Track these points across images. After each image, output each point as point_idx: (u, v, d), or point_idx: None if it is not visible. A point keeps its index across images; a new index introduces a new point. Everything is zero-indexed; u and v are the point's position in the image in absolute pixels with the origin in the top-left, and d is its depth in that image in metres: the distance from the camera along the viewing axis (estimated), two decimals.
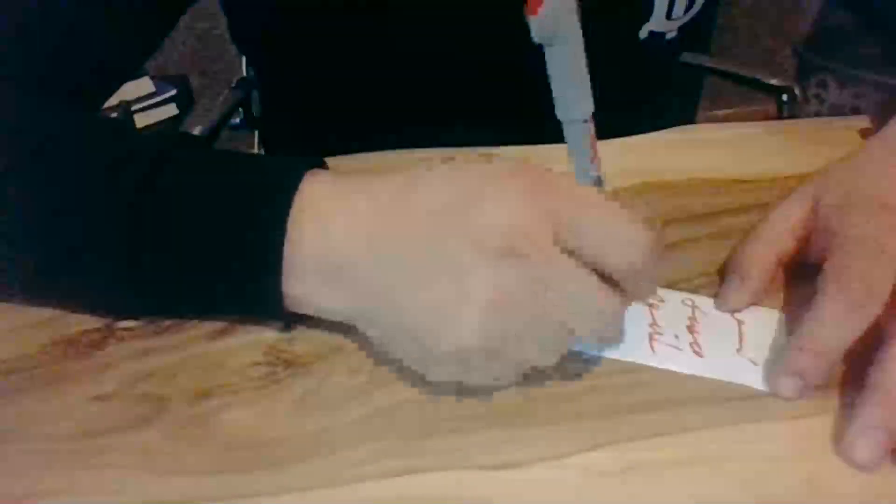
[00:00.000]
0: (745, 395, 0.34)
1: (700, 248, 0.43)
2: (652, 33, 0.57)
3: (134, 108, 1.59)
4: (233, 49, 0.86)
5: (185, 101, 1.68)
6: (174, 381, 0.36)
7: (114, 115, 1.49)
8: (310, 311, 0.36)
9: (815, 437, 0.32)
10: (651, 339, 0.37)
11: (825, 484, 0.30)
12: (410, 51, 0.54)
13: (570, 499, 0.30)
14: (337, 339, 0.37)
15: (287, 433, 0.33)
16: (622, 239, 0.32)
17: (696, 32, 0.61)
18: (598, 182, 0.35)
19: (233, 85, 0.93)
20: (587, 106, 0.34)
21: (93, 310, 0.39)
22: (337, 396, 0.35)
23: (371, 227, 0.33)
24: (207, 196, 0.35)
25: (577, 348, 0.36)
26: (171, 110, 1.66)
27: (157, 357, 0.37)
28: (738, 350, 0.36)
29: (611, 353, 0.36)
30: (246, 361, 0.36)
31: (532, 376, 0.34)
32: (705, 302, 0.39)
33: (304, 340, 0.37)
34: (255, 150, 0.97)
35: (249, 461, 0.32)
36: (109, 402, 0.35)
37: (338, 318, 0.36)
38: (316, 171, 0.36)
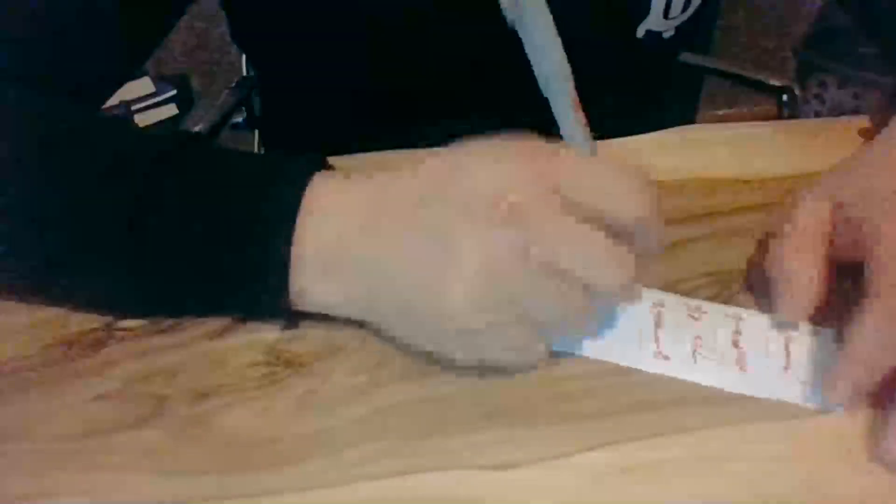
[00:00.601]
0: (745, 395, 0.34)
1: (700, 248, 0.43)
2: (649, 32, 0.57)
3: (134, 108, 1.59)
4: (233, 49, 0.86)
5: (185, 101, 1.68)
6: (174, 380, 0.35)
7: (114, 114, 1.49)
8: (316, 309, 0.36)
9: (815, 437, 0.32)
10: (695, 354, 0.36)
11: (825, 484, 0.30)
12: (411, 51, 0.54)
13: (570, 499, 0.30)
14: (337, 339, 0.37)
15: (287, 433, 0.33)
16: (623, 185, 0.31)
17: (693, 32, 0.61)
18: (588, 142, 0.36)
19: (233, 85, 0.93)
20: (565, 75, 0.35)
21: (95, 309, 0.39)
22: (337, 396, 0.35)
23: (362, 215, 0.33)
24: (212, 196, 0.35)
25: (616, 360, 0.35)
26: (171, 110, 1.66)
27: (157, 357, 0.37)
28: (786, 367, 0.35)
29: (654, 368, 0.35)
30: (246, 361, 0.36)
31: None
32: (750, 315, 0.38)
33: (304, 340, 0.37)
34: (256, 150, 0.97)
35: (249, 461, 0.32)
36: (109, 402, 0.35)
37: (344, 313, 0.36)
38: (319, 176, 0.35)
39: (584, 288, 0.31)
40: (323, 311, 0.36)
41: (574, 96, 0.35)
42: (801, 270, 0.36)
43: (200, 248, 0.35)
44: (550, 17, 0.33)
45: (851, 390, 0.32)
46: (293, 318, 0.37)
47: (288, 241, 0.33)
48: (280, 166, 0.36)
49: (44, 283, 0.38)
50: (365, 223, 0.33)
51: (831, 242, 0.37)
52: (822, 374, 0.34)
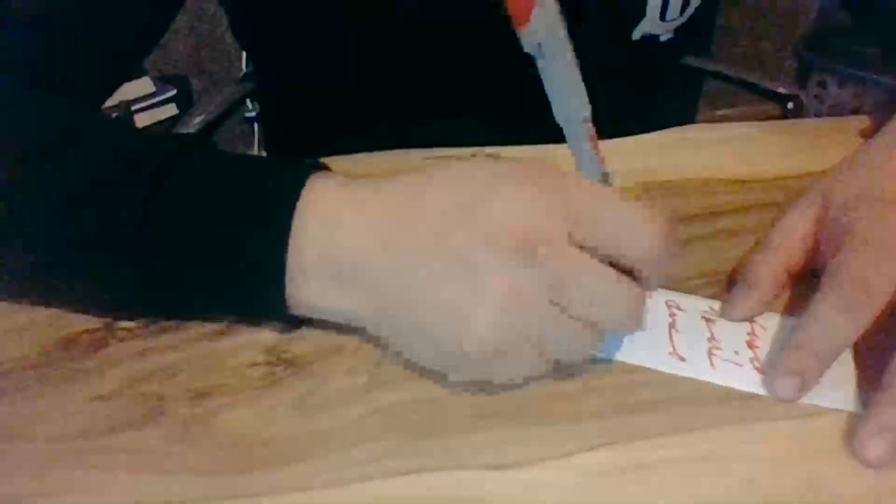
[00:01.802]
0: (745, 395, 0.34)
1: (700, 248, 0.43)
2: (645, 35, 0.56)
3: (134, 108, 1.59)
4: (233, 49, 0.86)
5: (185, 101, 1.68)
6: (174, 381, 0.35)
7: (114, 115, 1.49)
8: (317, 315, 0.36)
9: (816, 437, 0.32)
10: (711, 354, 0.36)
11: (826, 484, 0.30)
12: (410, 51, 0.54)
13: (570, 499, 0.30)
14: (337, 339, 0.37)
15: (287, 433, 0.33)
16: (638, 229, 0.32)
17: (691, 35, 0.61)
18: (605, 178, 0.36)
19: (233, 84, 0.93)
20: (584, 107, 0.34)
21: (97, 309, 0.39)
22: (337, 396, 0.35)
23: (382, 229, 0.33)
24: (214, 198, 0.35)
25: (632, 360, 0.35)
26: (171, 110, 1.66)
27: (157, 357, 0.37)
28: None
29: (670, 369, 0.35)
30: (246, 361, 0.36)
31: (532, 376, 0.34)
32: (766, 318, 0.38)
33: (304, 340, 0.37)
34: (256, 147, 0.97)
35: (249, 461, 0.32)
36: (109, 402, 0.35)
37: (347, 321, 0.36)
38: (321, 173, 0.36)
39: (594, 323, 0.32)
40: (326, 317, 0.36)
41: (593, 131, 0.35)
42: (760, 272, 0.38)
43: (202, 250, 0.35)
44: (572, 49, 0.33)
45: (798, 379, 0.33)
46: (294, 320, 0.37)
47: (283, 245, 0.33)
48: (279, 170, 0.36)
49: (48, 282, 0.38)
50: (383, 240, 0.33)
51: (818, 248, 0.38)
52: (840, 375, 0.34)
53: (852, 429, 0.32)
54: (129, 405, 0.34)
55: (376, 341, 0.36)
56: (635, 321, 0.33)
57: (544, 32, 0.32)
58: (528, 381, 0.34)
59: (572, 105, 0.34)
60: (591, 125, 0.35)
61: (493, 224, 0.31)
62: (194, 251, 0.35)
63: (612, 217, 0.32)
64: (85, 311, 0.39)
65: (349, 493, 0.30)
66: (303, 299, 0.35)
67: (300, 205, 0.34)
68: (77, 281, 0.37)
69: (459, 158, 0.35)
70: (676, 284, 0.40)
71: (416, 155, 0.50)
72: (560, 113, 0.34)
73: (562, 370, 0.34)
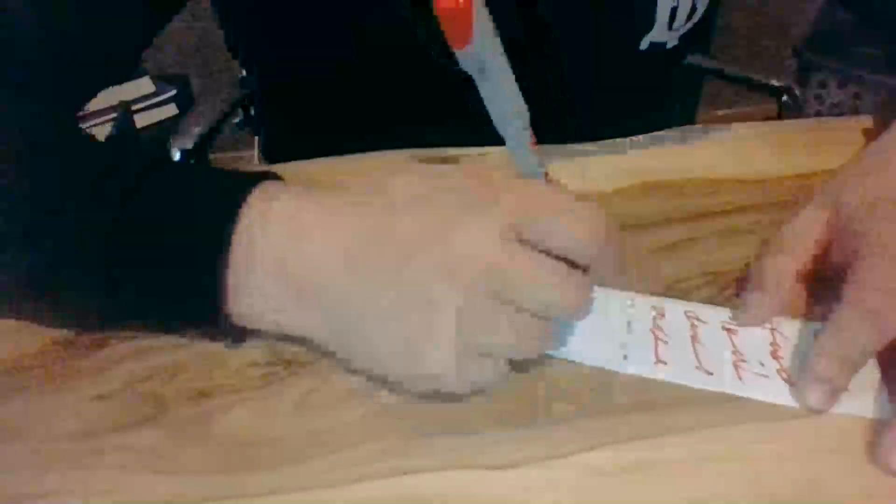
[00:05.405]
0: (743, 395, 0.34)
1: (700, 248, 0.43)
2: (652, 43, 0.56)
3: (134, 108, 1.59)
4: None
5: (185, 101, 1.68)
6: (174, 380, 0.36)
7: (114, 114, 1.49)
8: (271, 327, 0.35)
9: (816, 437, 0.32)
10: (736, 367, 0.35)
11: (826, 484, 0.30)
12: (403, 53, 0.54)
13: (570, 499, 0.30)
14: None
15: (287, 433, 0.33)
16: (571, 216, 0.33)
17: (696, 38, 0.61)
18: (545, 176, 0.38)
19: (233, 85, 0.93)
20: (523, 116, 0.36)
21: (62, 325, 0.38)
22: (337, 396, 0.35)
23: (348, 252, 0.33)
24: (173, 213, 0.35)
25: (659, 377, 0.35)
26: (171, 110, 1.66)
27: (157, 357, 0.37)
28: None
29: (697, 384, 0.35)
30: (246, 361, 0.36)
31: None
32: (787, 326, 0.37)
33: (304, 340, 0.37)
34: (256, 147, 0.97)
35: (250, 461, 0.32)
36: (109, 402, 0.35)
37: (300, 337, 0.35)
38: (271, 184, 0.35)
39: (540, 314, 0.32)
40: (281, 331, 0.35)
41: (532, 136, 0.36)
42: (772, 276, 0.38)
43: (155, 266, 0.34)
44: (509, 65, 0.33)
45: (827, 387, 0.33)
46: (241, 336, 0.36)
47: (218, 254, 0.33)
48: (229, 183, 0.35)
49: (23, 299, 0.38)
50: (352, 264, 0.33)
51: (829, 251, 0.38)
52: (866, 384, 0.34)
53: (853, 429, 0.32)
54: (129, 405, 0.34)
55: None
56: (578, 307, 0.33)
57: (484, 53, 0.32)
58: (485, 388, 0.33)
59: (512, 116, 0.35)
60: (529, 131, 0.36)
61: (450, 258, 0.31)
62: (147, 268, 0.34)
63: (548, 209, 0.33)
64: (54, 326, 0.38)
65: (349, 493, 0.30)
66: (256, 312, 0.34)
67: (251, 213, 0.33)
68: (43, 297, 0.37)
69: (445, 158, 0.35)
70: (677, 285, 0.40)
71: (416, 155, 0.50)
72: (501, 123, 0.35)
73: (520, 368, 0.34)
